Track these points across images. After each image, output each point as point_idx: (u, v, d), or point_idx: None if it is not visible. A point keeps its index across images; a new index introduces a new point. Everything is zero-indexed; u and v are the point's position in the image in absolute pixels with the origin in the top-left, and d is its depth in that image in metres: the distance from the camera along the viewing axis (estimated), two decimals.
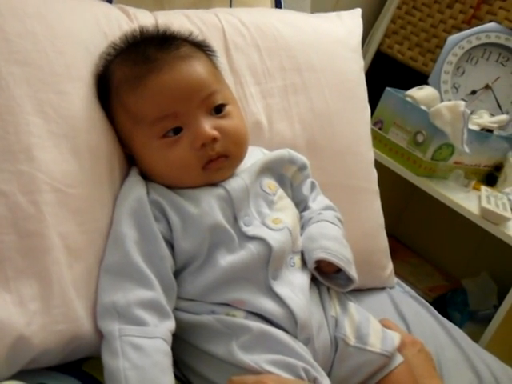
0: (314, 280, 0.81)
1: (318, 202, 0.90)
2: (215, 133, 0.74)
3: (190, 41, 0.80)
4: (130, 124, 0.75)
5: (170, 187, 0.75)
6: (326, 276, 0.81)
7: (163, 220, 0.72)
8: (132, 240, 0.70)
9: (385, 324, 0.88)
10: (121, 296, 0.67)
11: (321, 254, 0.78)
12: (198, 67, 0.76)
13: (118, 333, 0.65)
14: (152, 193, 0.73)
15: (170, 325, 0.68)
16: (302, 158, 0.89)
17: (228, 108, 0.78)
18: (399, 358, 0.80)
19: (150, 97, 0.73)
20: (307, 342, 0.73)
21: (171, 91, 0.73)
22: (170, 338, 0.68)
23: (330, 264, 0.79)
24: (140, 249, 0.70)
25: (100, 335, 0.69)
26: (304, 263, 0.81)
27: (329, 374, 0.75)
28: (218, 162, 0.75)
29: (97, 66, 0.78)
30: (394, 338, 0.81)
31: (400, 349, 0.82)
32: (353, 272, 0.80)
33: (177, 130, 0.74)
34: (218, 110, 0.76)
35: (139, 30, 0.79)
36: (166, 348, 0.66)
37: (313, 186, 0.91)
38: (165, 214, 0.72)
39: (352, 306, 0.83)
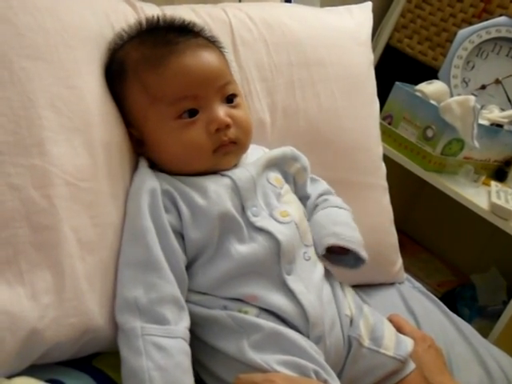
0: (326, 277, 0.81)
1: (315, 187, 0.91)
2: (229, 120, 0.76)
3: (202, 35, 0.81)
4: (147, 103, 0.75)
5: (176, 174, 0.76)
6: (334, 258, 0.83)
7: (174, 210, 0.73)
8: (152, 233, 0.70)
9: (394, 319, 0.88)
10: (143, 292, 0.68)
11: (331, 241, 0.80)
12: (215, 56, 0.78)
13: (141, 331, 0.65)
14: (162, 183, 0.74)
15: (186, 320, 0.69)
16: (304, 158, 0.89)
17: (238, 99, 0.80)
18: (412, 365, 0.80)
19: (172, 77, 0.74)
20: (319, 340, 0.74)
21: (193, 74, 0.75)
22: (188, 337, 0.68)
23: (340, 248, 0.80)
24: (159, 242, 0.70)
25: (113, 329, 0.69)
26: (318, 256, 0.82)
27: (340, 374, 0.76)
28: (228, 146, 0.77)
29: (109, 50, 0.79)
30: (408, 343, 0.81)
31: None
32: (363, 253, 0.81)
33: (192, 113, 0.75)
34: (230, 99, 0.79)
35: (157, 17, 0.80)
36: (187, 348, 0.67)
37: (312, 180, 0.91)
38: (175, 204, 0.73)
39: (367, 308, 0.83)
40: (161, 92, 0.74)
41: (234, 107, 0.78)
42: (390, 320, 0.87)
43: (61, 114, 0.69)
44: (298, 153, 0.88)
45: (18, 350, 0.61)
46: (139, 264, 0.70)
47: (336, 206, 0.87)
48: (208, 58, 0.77)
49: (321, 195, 0.90)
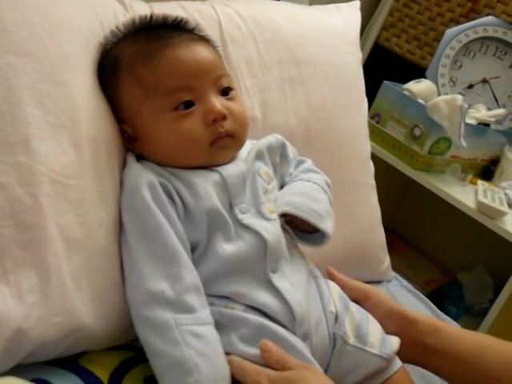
0: (312, 273, 0.81)
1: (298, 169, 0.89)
2: (226, 111, 0.75)
3: (195, 33, 0.81)
4: (142, 97, 0.75)
5: (168, 167, 0.75)
6: (305, 237, 0.82)
7: (171, 203, 0.72)
8: (166, 227, 0.70)
9: (337, 276, 0.88)
10: (168, 284, 0.67)
11: (284, 208, 0.78)
12: (209, 50, 0.79)
13: (174, 322, 0.65)
14: (156, 175, 0.73)
15: (207, 305, 0.70)
16: (289, 147, 0.88)
17: (233, 92, 0.80)
18: (398, 364, 0.79)
19: (166, 68, 0.74)
20: (305, 337, 0.73)
21: (188, 65, 0.75)
22: (213, 322, 0.69)
23: (304, 222, 0.78)
24: (174, 233, 0.70)
25: (100, 328, 0.69)
26: (302, 255, 0.81)
27: (326, 371, 0.75)
28: (224, 139, 0.76)
29: (101, 46, 0.79)
30: (394, 341, 0.80)
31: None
32: (323, 225, 0.78)
33: (188, 105, 0.75)
34: (225, 92, 0.78)
35: (150, 15, 0.80)
36: (216, 333, 0.68)
37: (298, 162, 0.89)
38: (171, 198, 0.72)
39: (353, 305, 0.82)
40: (156, 84, 0.74)
41: (230, 100, 0.78)
42: (332, 274, 0.87)
43: (47, 110, 0.68)
44: (282, 142, 0.87)
45: (2, 350, 0.61)
46: (160, 258, 0.69)
47: (302, 180, 0.85)
48: (202, 50, 0.77)
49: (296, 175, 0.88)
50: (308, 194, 0.82)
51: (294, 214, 0.77)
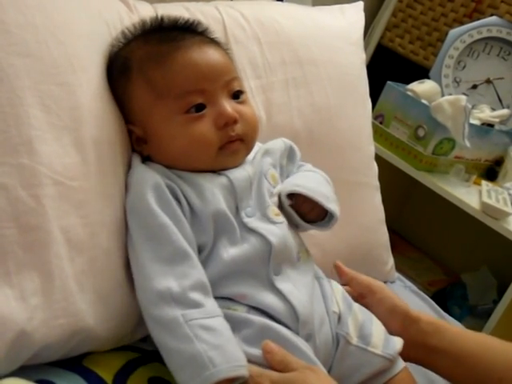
0: (315, 275, 0.81)
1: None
2: (236, 115, 0.76)
3: (206, 35, 0.81)
4: (153, 99, 0.75)
5: (176, 169, 0.75)
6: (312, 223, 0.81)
7: (178, 205, 0.72)
8: (171, 227, 0.70)
9: (345, 270, 0.88)
10: (174, 282, 0.67)
11: (294, 188, 0.78)
12: (221, 53, 0.79)
13: (183, 318, 0.65)
14: (163, 177, 0.73)
15: (213, 300, 0.69)
16: (295, 150, 0.88)
17: (244, 96, 0.80)
18: (401, 364, 0.79)
19: (179, 70, 0.74)
20: (309, 338, 0.73)
21: (200, 68, 0.75)
22: (222, 314, 0.69)
23: (313, 208, 0.79)
24: (180, 232, 0.70)
25: (104, 329, 0.69)
26: (310, 257, 0.81)
27: (329, 371, 0.75)
28: (235, 143, 0.76)
29: (111, 47, 0.79)
30: (397, 342, 0.80)
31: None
32: (331, 205, 0.79)
33: (199, 108, 0.75)
34: (236, 95, 0.78)
35: (160, 17, 0.80)
36: (227, 324, 0.68)
37: (299, 167, 0.90)
38: (178, 200, 0.72)
39: (356, 305, 0.82)
40: (167, 86, 0.74)
41: (241, 103, 0.78)
42: (339, 268, 0.87)
43: (50, 112, 0.68)
44: (290, 144, 0.87)
45: (6, 352, 0.61)
46: (165, 258, 0.69)
47: (308, 171, 0.86)
48: (214, 53, 0.77)
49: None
50: (316, 179, 0.83)
51: (303, 193, 0.77)
